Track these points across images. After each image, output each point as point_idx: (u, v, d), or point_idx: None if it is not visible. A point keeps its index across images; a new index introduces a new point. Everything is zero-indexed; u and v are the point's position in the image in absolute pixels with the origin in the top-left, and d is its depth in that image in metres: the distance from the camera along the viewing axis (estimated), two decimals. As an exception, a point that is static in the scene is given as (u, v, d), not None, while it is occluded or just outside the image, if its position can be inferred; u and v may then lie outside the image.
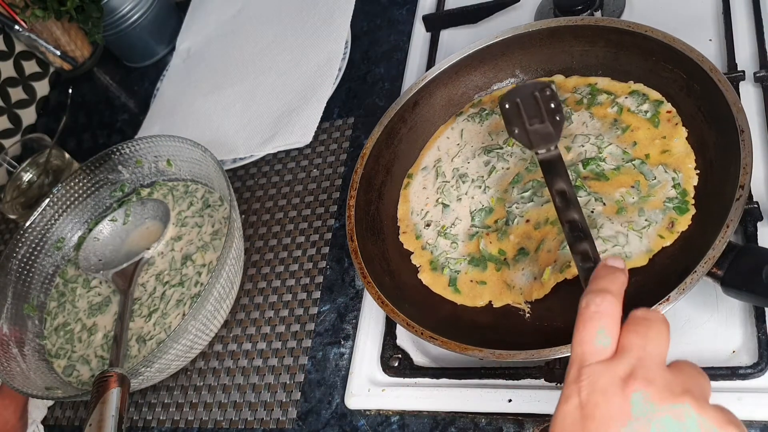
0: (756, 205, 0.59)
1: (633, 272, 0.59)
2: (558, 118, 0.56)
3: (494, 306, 0.64)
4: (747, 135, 0.56)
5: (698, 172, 0.62)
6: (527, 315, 0.62)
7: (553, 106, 0.57)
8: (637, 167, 0.64)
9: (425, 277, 0.69)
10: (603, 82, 0.72)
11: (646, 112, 0.67)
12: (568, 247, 0.60)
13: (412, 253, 0.72)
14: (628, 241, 0.60)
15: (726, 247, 0.52)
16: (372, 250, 0.71)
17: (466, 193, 0.72)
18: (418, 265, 0.71)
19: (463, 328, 0.63)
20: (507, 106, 0.60)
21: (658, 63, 0.67)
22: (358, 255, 0.68)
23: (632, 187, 0.63)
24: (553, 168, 0.53)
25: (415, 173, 0.78)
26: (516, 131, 0.59)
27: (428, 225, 0.73)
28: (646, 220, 0.61)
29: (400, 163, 0.78)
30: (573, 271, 0.60)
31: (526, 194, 0.68)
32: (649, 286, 0.58)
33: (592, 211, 0.63)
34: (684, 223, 0.60)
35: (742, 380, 0.54)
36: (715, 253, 0.52)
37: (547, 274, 0.62)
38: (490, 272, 0.66)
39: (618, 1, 0.80)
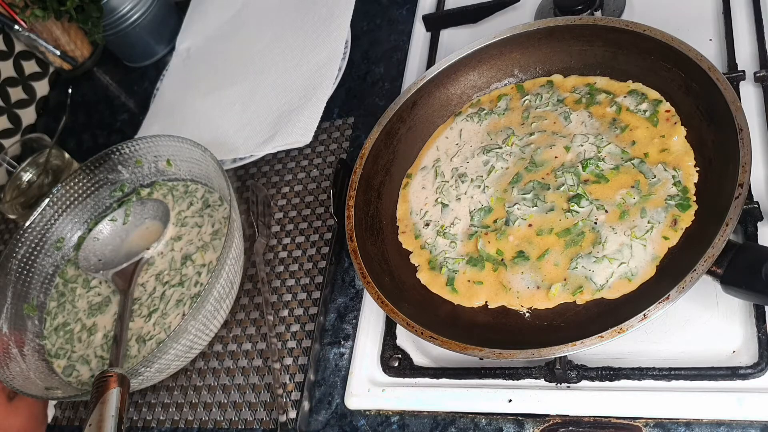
0: (756, 205, 0.59)
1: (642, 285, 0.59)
2: None
3: (489, 307, 0.64)
4: (746, 133, 0.56)
5: (698, 169, 0.62)
6: (527, 315, 0.62)
7: None
8: (637, 166, 0.64)
9: (423, 276, 0.69)
10: (601, 81, 0.72)
11: (645, 111, 0.67)
12: (579, 268, 0.60)
13: (411, 252, 0.72)
14: (632, 254, 0.60)
15: (725, 245, 0.52)
16: (371, 250, 0.71)
17: (465, 193, 0.72)
18: (416, 265, 0.71)
19: (463, 327, 0.63)
20: None
21: (657, 62, 0.67)
22: (357, 255, 0.68)
23: (632, 187, 0.63)
24: None
25: (414, 173, 0.78)
26: None
27: (427, 225, 0.73)
28: (648, 221, 0.61)
29: (399, 163, 0.78)
30: (585, 297, 0.60)
31: (528, 196, 0.68)
32: (650, 284, 0.58)
33: (596, 222, 0.63)
34: (687, 219, 0.60)
35: (742, 380, 0.54)
36: (714, 252, 0.52)
37: (556, 290, 0.62)
38: (486, 272, 0.66)
39: (618, 0, 0.80)
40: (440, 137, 0.79)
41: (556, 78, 0.75)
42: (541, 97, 0.75)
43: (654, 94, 0.68)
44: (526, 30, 0.74)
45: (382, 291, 0.65)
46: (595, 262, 0.61)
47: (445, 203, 0.73)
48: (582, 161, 0.67)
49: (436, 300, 0.67)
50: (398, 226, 0.75)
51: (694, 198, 0.60)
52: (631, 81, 0.70)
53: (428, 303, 0.67)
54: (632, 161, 0.65)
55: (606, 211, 0.63)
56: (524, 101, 0.76)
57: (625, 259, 0.60)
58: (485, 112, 0.77)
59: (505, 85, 0.79)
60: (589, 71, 0.73)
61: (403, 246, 0.73)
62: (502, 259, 0.66)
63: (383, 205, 0.76)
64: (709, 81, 0.60)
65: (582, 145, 0.69)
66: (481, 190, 0.72)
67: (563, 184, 0.67)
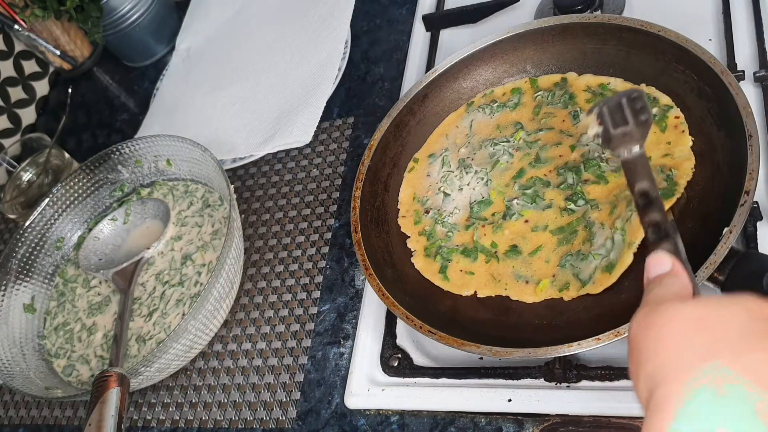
0: (756, 205, 0.59)
1: (624, 276, 0.59)
2: (643, 119, 0.51)
3: (479, 296, 0.65)
4: (755, 140, 0.56)
5: (694, 170, 0.62)
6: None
7: (638, 107, 0.53)
8: None
9: (418, 261, 0.70)
10: (616, 82, 0.72)
11: (654, 115, 0.67)
12: (568, 266, 0.61)
13: (409, 237, 0.72)
14: (614, 245, 0.60)
15: (728, 252, 0.52)
16: (376, 242, 0.71)
17: (468, 184, 0.73)
18: (413, 250, 0.71)
19: (463, 324, 0.63)
20: (595, 112, 0.55)
21: (670, 63, 0.66)
22: (361, 246, 0.68)
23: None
24: (634, 170, 0.49)
25: (421, 158, 0.78)
26: (599, 137, 0.54)
27: (427, 212, 0.73)
28: (629, 209, 0.61)
29: (407, 155, 0.78)
30: (571, 293, 0.61)
31: (528, 192, 0.68)
32: (632, 273, 0.58)
33: (589, 219, 0.64)
34: (667, 204, 0.60)
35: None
36: (716, 258, 0.52)
37: (544, 285, 0.62)
38: (479, 263, 0.67)
39: (617, 0, 0.80)
40: (451, 126, 0.79)
41: (570, 76, 0.75)
42: (554, 94, 0.74)
43: (665, 100, 0.67)
44: (540, 26, 0.74)
45: (383, 283, 0.65)
46: (582, 259, 0.61)
47: (447, 192, 0.73)
48: (585, 161, 0.67)
49: (437, 295, 0.67)
50: (399, 209, 0.75)
51: (682, 191, 0.61)
52: (644, 84, 0.70)
53: (429, 297, 0.67)
54: None
55: (600, 210, 0.64)
56: (536, 96, 0.76)
57: (607, 252, 0.60)
58: (497, 104, 0.77)
59: (518, 80, 0.78)
60: (603, 70, 0.73)
61: (402, 229, 0.73)
62: (495, 252, 0.67)
63: (390, 197, 0.76)
64: (722, 85, 0.60)
65: (587, 145, 0.69)
66: (483, 182, 0.72)
67: (563, 182, 0.67)
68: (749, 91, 0.67)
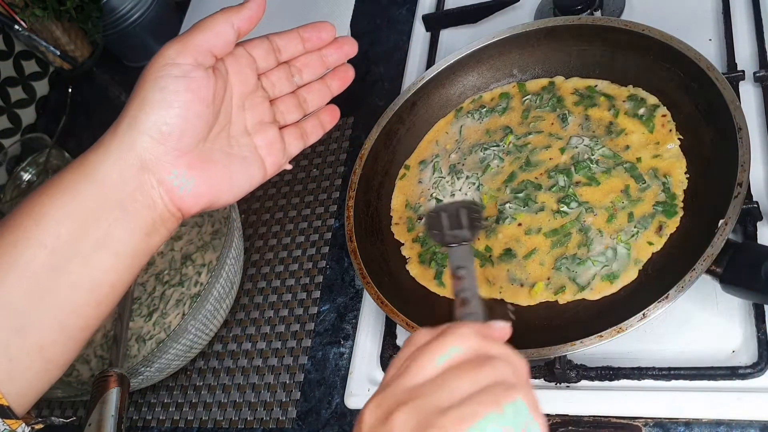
0: (756, 205, 0.59)
1: (625, 288, 0.59)
2: (476, 225, 0.56)
3: None
4: (744, 132, 0.56)
5: (688, 176, 0.62)
6: (511, 311, 0.63)
7: (474, 216, 0.57)
8: (628, 170, 0.65)
9: (413, 268, 0.70)
10: (602, 84, 0.72)
11: (642, 116, 0.67)
12: (563, 269, 0.61)
13: (403, 244, 0.72)
14: (616, 257, 0.61)
15: (725, 244, 0.52)
16: (371, 250, 0.71)
17: (460, 189, 0.73)
18: (407, 257, 0.71)
19: (463, 327, 0.63)
20: (430, 216, 0.58)
21: (656, 62, 0.67)
22: (357, 256, 0.68)
23: (622, 191, 0.64)
24: (460, 256, 0.53)
25: (412, 165, 0.78)
26: (435, 233, 0.57)
27: (420, 218, 0.73)
28: (635, 226, 0.61)
29: (397, 163, 0.78)
30: (566, 297, 0.61)
31: (520, 195, 0.68)
32: (646, 288, 0.58)
33: (583, 223, 0.64)
34: (672, 225, 0.60)
35: (742, 380, 0.54)
36: (713, 251, 0.52)
37: (539, 288, 0.62)
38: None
39: (618, 0, 0.80)
40: (441, 132, 0.79)
41: (558, 79, 0.75)
42: (542, 98, 0.75)
43: (652, 100, 0.68)
44: (525, 30, 0.74)
45: (381, 291, 0.65)
46: (579, 263, 0.61)
47: (439, 198, 0.73)
48: (575, 163, 0.67)
49: (435, 299, 0.67)
50: (392, 217, 0.75)
51: (682, 205, 0.61)
52: (631, 86, 0.70)
53: (428, 302, 0.67)
54: (624, 165, 0.65)
55: (594, 214, 0.64)
56: (525, 101, 0.76)
57: (609, 261, 0.61)
58: (486, 109, 0.77)
59: (505, 84, 0.79)
60: (589, 71, 0.73)
61: (395, 236, 0.73)
62: (490, 256, 0.67)
63: (383, 205, 0.76)
64: (708, 80, 0.61)
65: (576, 147, 0.69)
66: (475, 187, 0.72)
67: (555, 185, 0.67)
68: (749, 90, 0.68)
